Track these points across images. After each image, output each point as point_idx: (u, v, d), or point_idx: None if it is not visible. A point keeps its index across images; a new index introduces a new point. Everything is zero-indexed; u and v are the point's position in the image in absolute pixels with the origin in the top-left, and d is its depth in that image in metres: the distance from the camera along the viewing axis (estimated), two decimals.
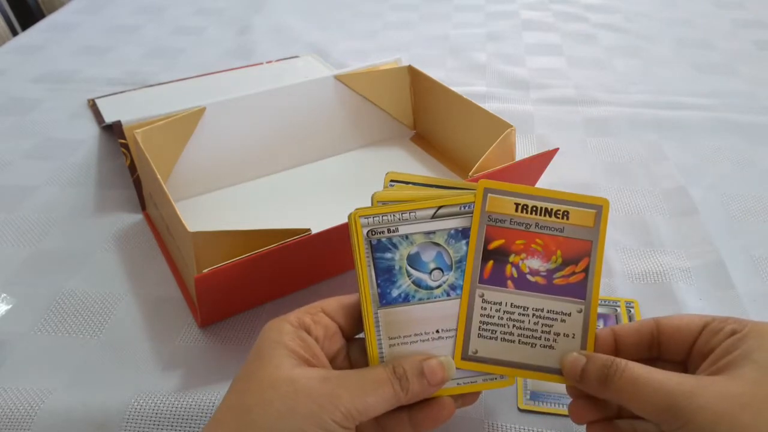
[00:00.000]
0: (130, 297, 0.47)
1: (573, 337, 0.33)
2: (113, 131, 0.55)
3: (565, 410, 0.38)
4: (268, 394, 0.29)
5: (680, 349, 0.33)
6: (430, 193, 0.35)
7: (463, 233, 0.34)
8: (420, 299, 0.34)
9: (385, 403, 0.30)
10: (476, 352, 0.34)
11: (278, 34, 0.93)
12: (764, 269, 0.49)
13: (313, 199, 0.57)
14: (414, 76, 0.63)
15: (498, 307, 0.34)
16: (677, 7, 1.02)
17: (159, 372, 0.41)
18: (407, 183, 0.36)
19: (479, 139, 0.54)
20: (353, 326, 0.35)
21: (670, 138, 0.67)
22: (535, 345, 0.34)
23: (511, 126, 0.51)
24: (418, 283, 0.34)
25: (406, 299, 0.34)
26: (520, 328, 0.34)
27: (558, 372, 0.33)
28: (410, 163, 0.62)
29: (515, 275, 0.34)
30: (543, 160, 0.51)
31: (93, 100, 0.75)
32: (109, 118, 0.69)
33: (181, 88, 0.77)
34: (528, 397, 0.39)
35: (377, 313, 0.33)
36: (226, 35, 0.93)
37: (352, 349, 0.35)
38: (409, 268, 0.34)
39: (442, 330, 0.34)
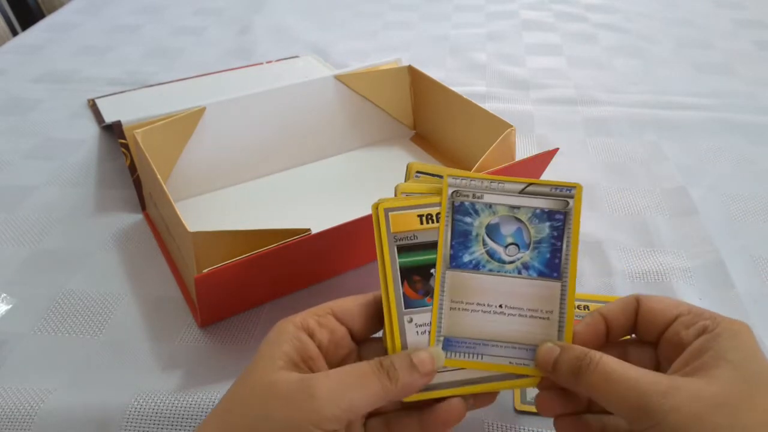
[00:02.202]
0: (130, 297, 0.47)
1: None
2: (113, 131, 0.55)
3: None
4: (248, 397, 0.29)
5: (652, 333, 0.32)
6: None
7: (549, 215, 0.33)
8: (490, 270, 0.33)
9: (373, 398, 0.29)
10: (534, 398, 0.37)
11: (278, 34, 0.93)
12: (764, 269, 0.49)
13: (313, 199, 0.57)
14: (414, 76, 0.63)
15: None
16: (677, 7, 1.02)
17: (159, 372, 0.41)
18: (434, 175, 0.35)
19: (479, 139, 0.54)
20: (367, 327, 0.34)
21: (670, 138, 0.67)
22: None
23: (511, 126, 0.51)
24: (491, 254, 0.33)
25: (476, 267, 0.33)
26: None
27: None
28: None
29: None
30: (543, 160, 0.51)
31: (93, 100, 0.75)
32: (109, 118, 0.69)
33: (181, 88, 0.77)
34: (525, 398, 0.39)
35: (444, 273, 0.33)
36: (226, 35, 0.93)
37: (364, 351, 0.34)
38: (485, 237, 0.33)
39: (506, 306, 0.33)
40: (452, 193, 0.33)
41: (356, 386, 0.29)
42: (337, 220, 0.41)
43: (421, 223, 0.34)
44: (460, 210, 0.33)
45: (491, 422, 0.38)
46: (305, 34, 0.93)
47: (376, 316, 0.34)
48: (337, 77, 0.62)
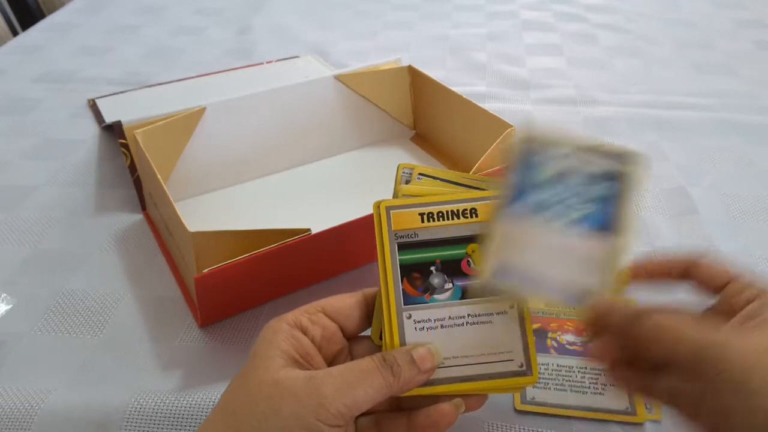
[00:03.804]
0: (130, 297, 0.47)
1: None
2: (113, 131, 0.55)
3: (560, 410, 0.38)
4: (254, 396, 0.29)
5: (714, 283, 0.34)
6: (459, 189, 0.35)
7: (610, 177, 0.34)
8: (547, 220, 0.34)
9: (377, 394, 0.29)
10: (534, 398, 0.40)
11: (278, 34, 0.93)
12: (764, 269, 0.49)
13: (313, 199, 0.57)
14: (414, 76, 0.63)
15: (546, 366, 0.41)
16: (678, 8, 1.02)
17: (159, 372, 0.41)
18: (435, 178, 0.36)
19: (479, 139, 0.54)
20: (358, 323, 0.34)
21: (670, 138, 0.67)
22: (586, 392, 0.40)
23: (511, 126, 0.51)
24: (550, 206, 0.34)
25: (535, 217, 0.34)
26: (570, 381, 0.41)
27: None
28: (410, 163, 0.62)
29: (555, 345, 0.43)
30: None
31: (93, 100, 0.75)
32: (109, 118, 0.69)
33: (181, 88, 0.77)
34: (525, 398, 0.39)
35: (503, 218, 0.34)
36: (226, 35, 0.93)
37: (355, 348, 0.35)
38: (548, 190, 0.34)
39: (560, 253, 0.33)
40: (522, 145, 0.34)
41: (360, 382, 0.29)
42: (337, 220, 0.41)
43: (422, 221, 0.34)
44: (526, 161, 0.34)
45: (491, 422, 0.38)
46: (305, 34, 0.93)
47: (366, 312, 0.34)
48: (337, 77, 0.62)
